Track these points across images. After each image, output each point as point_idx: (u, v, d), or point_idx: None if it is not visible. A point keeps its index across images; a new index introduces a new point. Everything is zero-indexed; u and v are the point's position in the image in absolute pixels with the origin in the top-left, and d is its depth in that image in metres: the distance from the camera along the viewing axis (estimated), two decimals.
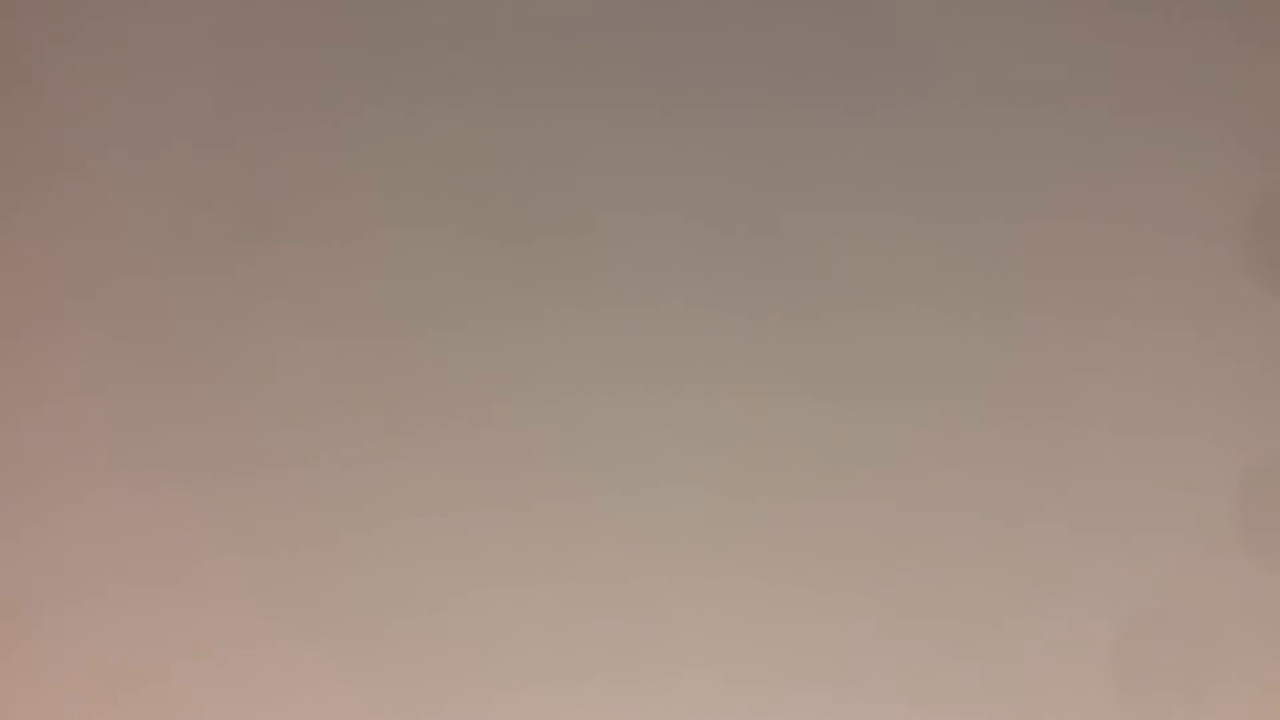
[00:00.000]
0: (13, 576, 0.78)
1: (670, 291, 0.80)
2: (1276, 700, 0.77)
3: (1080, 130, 0.81)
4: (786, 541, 0.79)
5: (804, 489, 0.79)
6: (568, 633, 0.78)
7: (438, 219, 0.80)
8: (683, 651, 0.78)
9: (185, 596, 0.78)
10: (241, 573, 0.78)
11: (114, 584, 0.78)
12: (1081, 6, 0.81)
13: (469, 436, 0.79)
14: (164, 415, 0.79)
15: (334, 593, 0.78)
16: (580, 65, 0.81)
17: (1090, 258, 0.80)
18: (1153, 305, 0.80)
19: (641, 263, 0.80)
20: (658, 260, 0.80)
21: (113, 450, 0.79)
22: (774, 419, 0.79)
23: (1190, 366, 0.79)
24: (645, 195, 0.80)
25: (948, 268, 0.80)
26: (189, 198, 0.81)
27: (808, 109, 0.81)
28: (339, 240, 0.80)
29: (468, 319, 0.80)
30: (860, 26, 0.81)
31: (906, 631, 0.78)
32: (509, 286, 0.80)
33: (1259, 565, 0.78)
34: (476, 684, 0.78)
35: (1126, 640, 0.78)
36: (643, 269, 0.80)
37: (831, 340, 0.80)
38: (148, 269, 0.80)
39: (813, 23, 0.81)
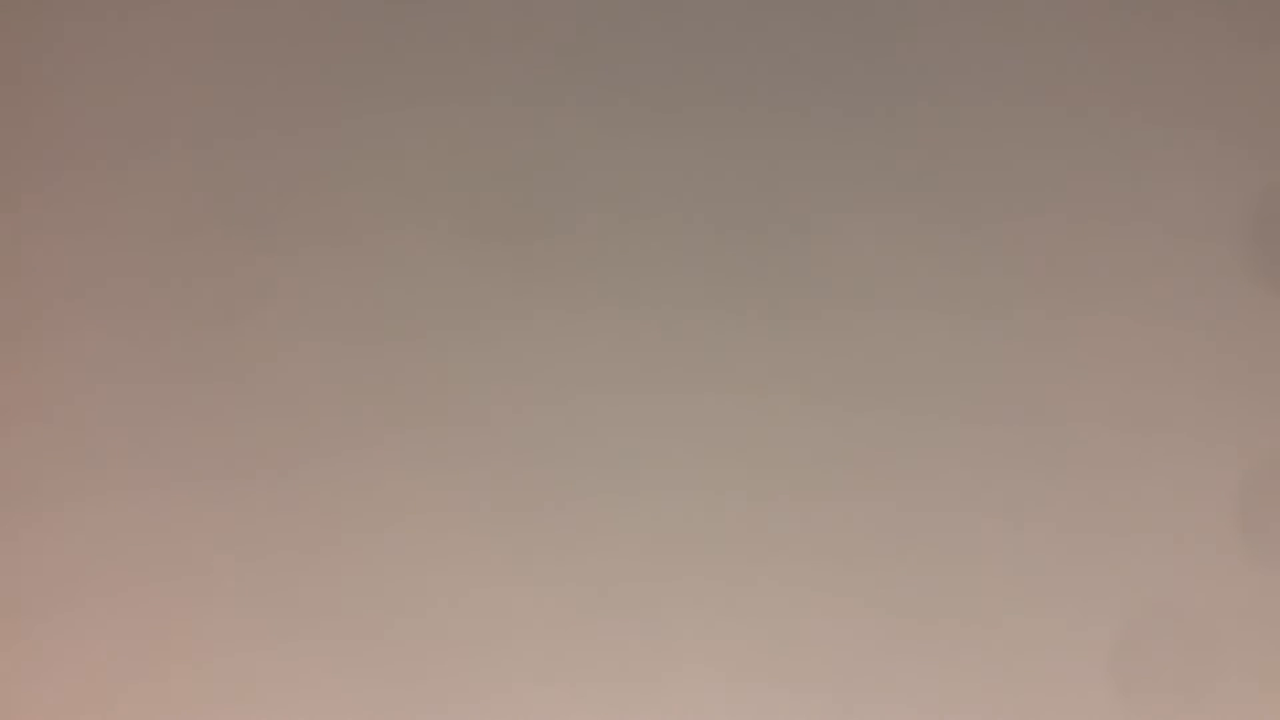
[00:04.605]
0: (13, 576, 0.78)
1: (668, 291, 0.80)
2: (1276, 700, 0.77)
3: (1080, 130, 0.81)
4: (786, 541, 0.79)
5: (803, 489, 0.79)
6: (568, 632, 0.78)
7: (436, 219, 0.80)
8: (683, 651, 0.78)
9: (185, 597, 0.78)
10: (242, 573, 0.79)
11: (114, 584, 0.78)
12: (1081, 6, 0.81)
13: (468, 436, 0.79)
14: (164, 415, 0.79)
15: (334, 592, 0.78)
16: (577, 65, 0.81)
17: (1090, 258, 0.80)
18: (1153, 305, 0.80)
19: (639, 263, 0.80)
20: (656, 260, 0.80)
21: (113, 450, 0.79)
22: (773, 419, 0.79)
23: (1190, 366, 0.79)
24: (643, 196, 0.80)
25: (946, 268, 0.80)
26: (189, 198, 0.81)
27: (805, 109, 0.81)
28: (339, 240, 0.80)
29: (466, 319, 0.80)
30: (858, 26, 0.81)
31: (906, 631, 0.78)
32: (507, 286, 0.80)
33: (1259, 565, 0.78)
34: (476, 684, 0.78)
35: (1126, 640, 0.78)
36: (641, 269, 0.80)
37: (831, 340, 0.80)
38: (148, 269, 0.80)
39: (810, 23, 0.81)
